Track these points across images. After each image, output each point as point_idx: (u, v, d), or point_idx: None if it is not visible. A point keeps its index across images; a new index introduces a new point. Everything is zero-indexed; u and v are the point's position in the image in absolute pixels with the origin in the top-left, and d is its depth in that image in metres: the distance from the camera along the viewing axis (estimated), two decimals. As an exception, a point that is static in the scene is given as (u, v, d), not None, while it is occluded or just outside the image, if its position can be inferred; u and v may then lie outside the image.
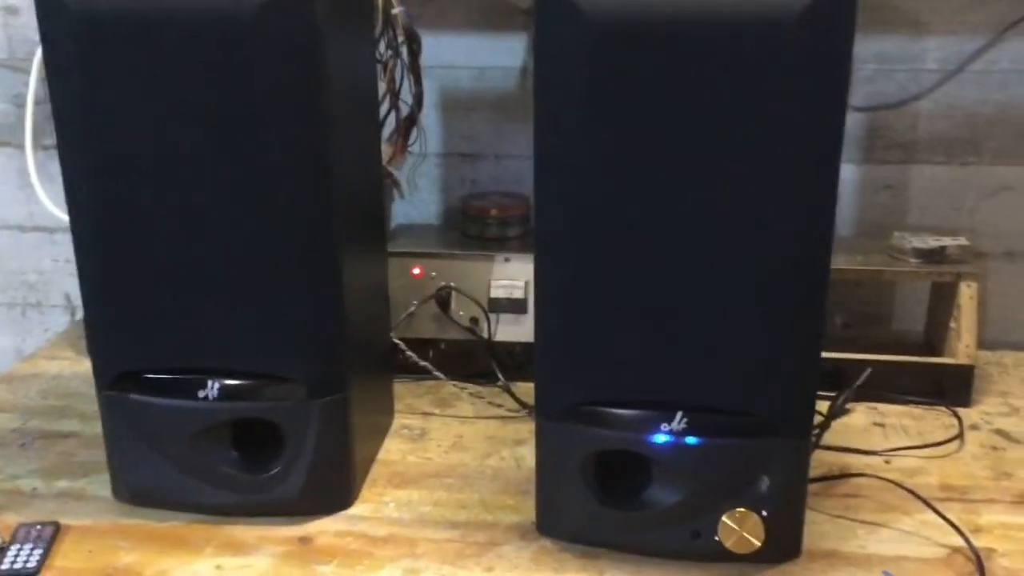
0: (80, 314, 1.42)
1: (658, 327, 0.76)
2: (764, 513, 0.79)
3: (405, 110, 1.12)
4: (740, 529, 0.79)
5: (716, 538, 0.80)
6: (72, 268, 1.41)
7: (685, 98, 0.70)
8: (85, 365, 1.21)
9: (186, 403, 0.84)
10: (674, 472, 0.79)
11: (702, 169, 0.72)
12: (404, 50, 1.07)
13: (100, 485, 0.92)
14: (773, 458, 0.78)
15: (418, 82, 1.11)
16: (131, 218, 0.80)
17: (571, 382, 0.79)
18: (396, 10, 1.03)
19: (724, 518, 0.79)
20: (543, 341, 0.80)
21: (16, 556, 0.81)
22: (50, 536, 0.84)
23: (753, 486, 0.79)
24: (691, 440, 0.78)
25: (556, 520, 0.85)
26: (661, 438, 0.78)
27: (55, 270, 1.44)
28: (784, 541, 0.81)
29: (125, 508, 0.89)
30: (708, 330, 0.76)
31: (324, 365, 0.85)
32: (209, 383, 0.84)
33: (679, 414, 0.77)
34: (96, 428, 1.03)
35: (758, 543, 0.78)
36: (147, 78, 0.77)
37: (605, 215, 0.74)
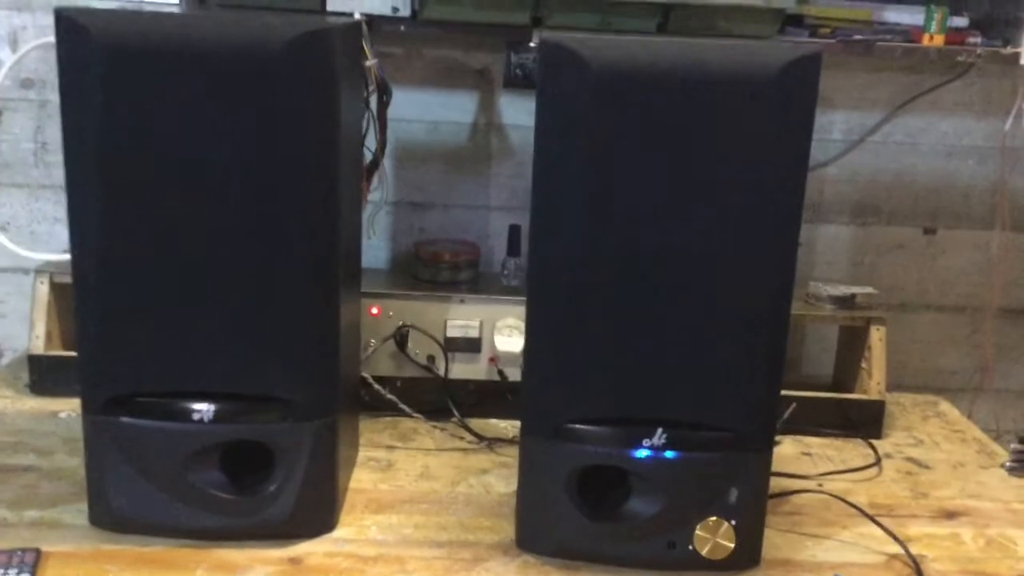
0: (7, 357, 1.39)
1: (642, 353, 0.84)
2: (733, 522, 0.86)
3: (368, 157, 1.17)
4: (713, 536, 0.86)
5: (690, 547, 0.87)
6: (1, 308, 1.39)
7: (674, 145, 0.79)
8: (27, 403, 1.19)
9: (181, 425, 0.86)
10: (653, 484, 0.86)
11: (685, 210, 0.81)
12: (373, 100, 1.13)
13: (73, 514, 0.91)
14: (741, 470, 0.86)
15: (383, 131, 1.16)
16: (138, 244, 0.82)
17: (559, 402, 0.86)
18: (370, 62, 1.09)
19: (698, 529, 0.86)
20: (533, 364, 0.86)
21: (6, 579, 0.80)
22: (33, 561, 0.83)
23: (723, 497, 0.86)
24: (670, 454, 0.85)
25: (537, 535, 0.90)
26: (643, 453, 0.85)
27: (-23, 311, 1.39)
28: (748, 549, 0.89)
29: (104, 534, 0.89)
30: (687, 355, 0.84)
31: (319, 388, 0.88)
32: (204, 405, 0.86)
33: (659, 430, 0.85)
34: (55, 461, 1.03)
35: (731, 545, 0.86)
36: (167, 111, 0.80)
37: (595, 251, 0.82)
